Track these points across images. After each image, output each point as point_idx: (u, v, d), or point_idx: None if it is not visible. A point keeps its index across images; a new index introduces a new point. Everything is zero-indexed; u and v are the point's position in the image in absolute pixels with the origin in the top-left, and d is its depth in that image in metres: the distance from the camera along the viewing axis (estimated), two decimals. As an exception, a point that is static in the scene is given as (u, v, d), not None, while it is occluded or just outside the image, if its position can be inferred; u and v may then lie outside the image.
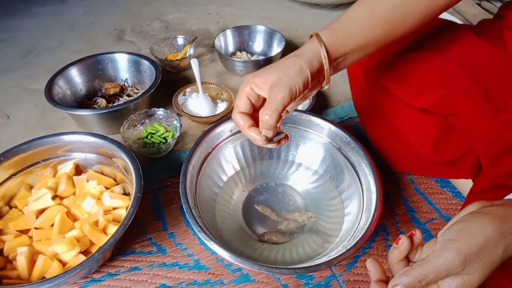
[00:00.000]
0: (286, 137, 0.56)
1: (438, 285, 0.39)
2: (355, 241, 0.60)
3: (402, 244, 0.43)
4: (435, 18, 0.58)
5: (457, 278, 0.38)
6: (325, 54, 0.52)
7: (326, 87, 0.56)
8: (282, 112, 0.50)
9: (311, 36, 0.54)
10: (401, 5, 0.54)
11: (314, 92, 0.57)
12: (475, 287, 0.38)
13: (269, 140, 0.53)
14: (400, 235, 0.43)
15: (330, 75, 0.55)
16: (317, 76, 0.54)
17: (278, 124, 0.52)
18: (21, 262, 0.62)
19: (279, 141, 0.55)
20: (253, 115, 0.55)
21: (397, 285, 0.39)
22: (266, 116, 0.50)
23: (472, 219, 0.40)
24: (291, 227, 0.73)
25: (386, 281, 0.43)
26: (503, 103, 0.60)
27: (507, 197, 0.49)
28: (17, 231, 0.68)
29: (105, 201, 0.71)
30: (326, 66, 0.52)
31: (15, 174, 0.72)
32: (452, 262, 0.37)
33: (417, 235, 0.44)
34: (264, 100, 0.53)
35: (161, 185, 0.84)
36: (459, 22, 0.80)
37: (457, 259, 0.37)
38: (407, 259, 0.44)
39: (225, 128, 0.78)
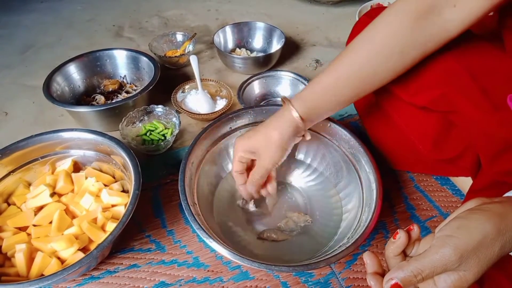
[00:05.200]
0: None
1: (434, 281, 0.39)
2: (355, 238, 0.60)
3: (399, 239, 0.43)
4: None
5: (453, 274, 0.38)
6: (301, 120, 0.62)
7: (308, 137, 0.67)
8: (266, 176, 0.67)
9: (284, 101, 0.63)
10: (367, 65, 0.59)
11: (296, 141, 0.66)
12: (471, 283, 0.38)
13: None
14: (398, 230, 0.43)
15: (309, 126, 0.66)
16: (296, 137, 0.64)
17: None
18: (19, 259, 0.62)
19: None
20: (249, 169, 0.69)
21: (393, 279, 0.39)
22: (254, 178, 0.67)
23: (470, 215, 0.40)
24: (290, 225, 0.73)
25: (382, 274, 0.43)
26: (502, 101, 0.60)
27: (506, 194, 0.49)
28: (16, 228, 0.67)
29: (103, 198, 0.71)
30: (303, 126, 0.63)
31: (13, 171, 0.72)
32: (448, 258, 0.37)
33: (415, 230, 0.44)
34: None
35: (160, 182, 0.84)
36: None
37: (453, 255, 0.37)
38: (404, 254, 0.44)
39: (225, 125, 0.78)
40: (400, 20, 0.57)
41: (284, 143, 0.63)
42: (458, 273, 0.38)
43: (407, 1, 0.57)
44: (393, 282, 0.39)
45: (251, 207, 0.75)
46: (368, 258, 0.45)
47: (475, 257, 0.37)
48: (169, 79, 1.11)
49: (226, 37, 1.21)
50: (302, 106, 0.62)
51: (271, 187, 0.71)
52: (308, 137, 0.67)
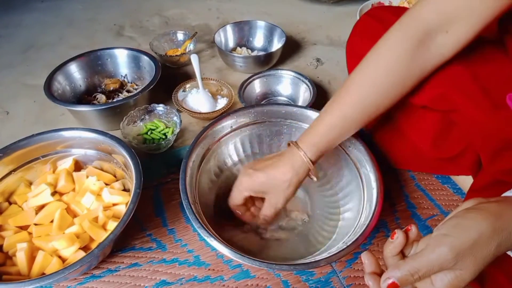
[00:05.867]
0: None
1: (431, 280, 0.39)
2: (356, 237, 0.60)
3: (397, 239, 0.43)
4: None
5: (450, 273, 0.38)
6: (310, 161, 0.61)
7: (315, 179, 0.66)
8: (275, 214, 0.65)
9: (291, 145, 0.63)
10: (369, 101, 0.60)
11: None
12: (468, 282, 0.38)
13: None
14: (396, 230, 0.43)
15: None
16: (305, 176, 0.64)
17: None
18: (20, 258, 0.62)
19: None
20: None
21: (390, 278, 0.39)
22: (267, 217, 0.65)
23: (467, 215, 0.40)
24: (291, 223, 0.73)
25: (380, 274, 0.43)
26: (502, 100, 0.60)
27: (504, 194, 0.49)
28: (17, 227, 0.68)
29: (104, 197, 0.71)
30: (312, 167, 0.62)
31: (14, 170, 0.72)
32: (444, 257, 0.38)
33: (413, 230, 0.44)
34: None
35: (161, 181, 0.84)
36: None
37: (449, 254, 0.37)
38: (402, 254, 0.44)
39: (225, 124, 0.78)
40: (398, 51, 0.57)
41: (296, 181, 0.63)
42: (454, 272, 0.38)
43: (402, 29, 0.58)
44: (390, 281, 0.39)
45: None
46: (366, 258, 0.45)
47: (471, 256, 0.38)
48: (170, 78, 1.11)
49: (227, 36, 1.21)
50: (312, 151, 0.62)
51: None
52: (316, 179, 0.67)
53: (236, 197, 0.66)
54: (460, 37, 0.55)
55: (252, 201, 0.69)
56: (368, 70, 0.60)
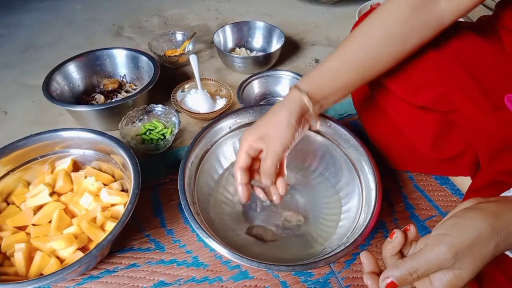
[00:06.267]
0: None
1: (430, 279, 0.39)
2: (354, 238, 0.60)
3: (396, 238, 0.43)
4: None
5: (448, 272, 0.38)
6: (307, 98, 0.61)
7: (318, 125, 0.67)
8: (278, 162, 0.61)
9: (291, 88, 0.63)
10: (369, 50, 0.61)
11: (306, 131, 0.66)
12: (466, 281, 0.38)
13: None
14: (394, 230, 0.43)
15: (317, 114, 0.64)
16: (304, 119, 0.63)
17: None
18: (18, 259, 0.62)
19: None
20: (252, 165, 0.65)
21: (388, 277, 0.39)
22: (267, 166, 0.61)
23: (465, 214, 0.40)
24: (285, 223, 0.73)
25: (379, 274, 0.43)
26: (501, 101, 0.60)
27: (502, 194, 0.49)
28: (15, 227, 0.67)
29: (103, 197, 0.71)
30: (311, 107, 0.62)
31: (12, 171, 0.72)
32: (443, 256, 0.38)
33: (411, 230, 0.44)
34: (261, 150, 0.63)
35: (160, 181, 0.84)
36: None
37: (448, 253, 0.37)
38: (401, 254, 0.44)
39: (224, 125, 0.78)
40: (400, 8, 0.59)
41: (293, 120, 0.60)
42: (453, 272, 0.38)
43: None
44: (388, 280, 0.39)
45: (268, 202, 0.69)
46: (365, 258, 0.45)
47: (469, 255, 0.38)
48: (168, 78, 1.11)
49: (226, 37, 1.21)
50: (308, 85, 0.62)
51: (281, 185, 0.64)
52: (316, 127, 0.67)
53: (241, 156, 0.62)
54: (459, 4, 0.57)
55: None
56: (373, 21, 0.62)
